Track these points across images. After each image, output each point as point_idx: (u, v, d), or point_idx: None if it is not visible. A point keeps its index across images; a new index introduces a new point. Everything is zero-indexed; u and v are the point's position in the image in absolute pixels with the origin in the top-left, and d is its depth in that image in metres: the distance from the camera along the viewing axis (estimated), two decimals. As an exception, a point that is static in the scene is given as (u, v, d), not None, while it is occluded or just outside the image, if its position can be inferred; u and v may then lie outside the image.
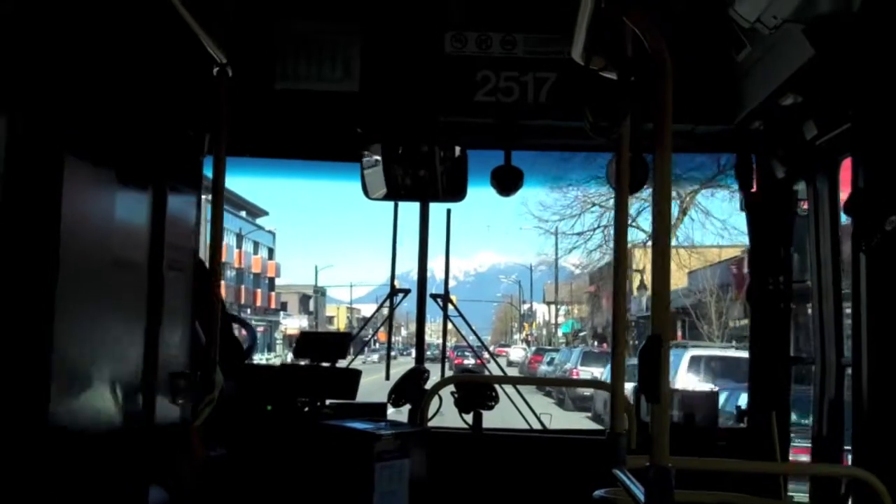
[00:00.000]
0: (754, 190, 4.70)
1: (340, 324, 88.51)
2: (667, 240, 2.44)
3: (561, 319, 73.05)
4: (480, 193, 5.07)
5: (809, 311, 4.64)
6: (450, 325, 6.08)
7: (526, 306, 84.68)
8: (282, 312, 74.47)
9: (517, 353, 64.94)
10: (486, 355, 8.03)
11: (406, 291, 5.92)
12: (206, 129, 3.60)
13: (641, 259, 36.12)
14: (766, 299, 4.65)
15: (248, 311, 60.02)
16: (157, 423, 2.96)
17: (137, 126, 2.77)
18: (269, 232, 73.04)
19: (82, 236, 2.32)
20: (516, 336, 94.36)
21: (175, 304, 3.10)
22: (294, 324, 72.01)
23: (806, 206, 4.55)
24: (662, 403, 2.31)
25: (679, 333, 34.50)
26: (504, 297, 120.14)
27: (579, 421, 23.52)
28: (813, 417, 4.49)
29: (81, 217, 2.31)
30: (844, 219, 4.05)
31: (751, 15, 3.25)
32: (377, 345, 34.96)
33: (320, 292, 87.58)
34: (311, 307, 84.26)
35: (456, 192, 4.95)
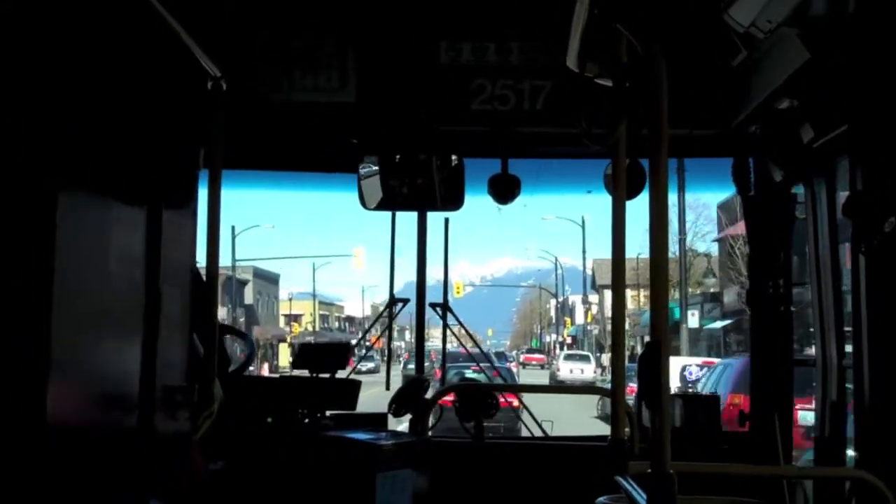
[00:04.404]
0: (753, 193, 4.70)
1: (303, 326, 68.43)
2: (665, 245, 2.44)
3: (592, 313, 54.82)
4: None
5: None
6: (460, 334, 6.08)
7: (574, 299, 66.65)
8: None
9: (570, 367, 41.66)
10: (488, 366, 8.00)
11: (405, 301, 5.92)
12: (201, 143, 3.59)
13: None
14: (767, 302, 4.65)
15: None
16: (156, 436, 2.95)
17: (132, 141, 2.77)
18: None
19: (77, 253, 2.32)
20: (548, 338, 72.97)
21: (173, 319, 3.09)
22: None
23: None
24: (663, 410, 2.31)
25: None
26: (532, 286, 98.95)
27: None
28: (815, 419, 4.48)
29: (76, 234, 2.31)
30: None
31: (745, 19, 3.24)
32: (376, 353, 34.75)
33: (260, 276, 65.95)
34: (249, 297, 62.70)
35: (453, 201, 4.94)
